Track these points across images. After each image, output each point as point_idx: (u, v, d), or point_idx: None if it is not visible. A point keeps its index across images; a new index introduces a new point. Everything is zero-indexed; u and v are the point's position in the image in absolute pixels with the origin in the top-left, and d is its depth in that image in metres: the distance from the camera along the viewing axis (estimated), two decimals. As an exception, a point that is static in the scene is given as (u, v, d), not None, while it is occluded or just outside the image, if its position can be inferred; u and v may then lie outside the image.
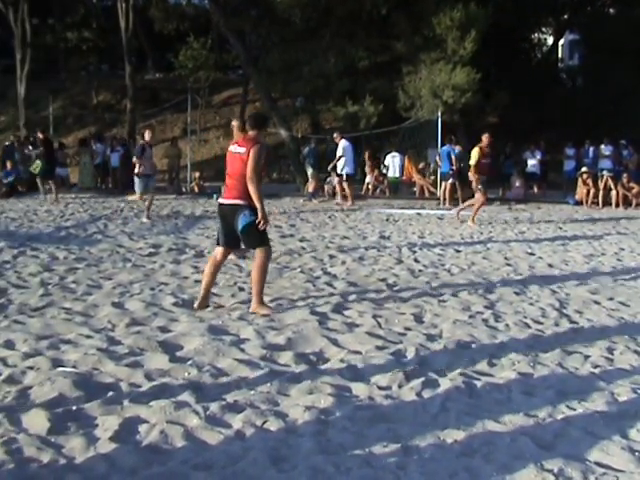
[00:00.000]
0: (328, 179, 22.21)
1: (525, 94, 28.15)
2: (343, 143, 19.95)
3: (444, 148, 21.28)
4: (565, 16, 34.32)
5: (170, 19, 37.11)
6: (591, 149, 25.07)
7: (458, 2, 23.87)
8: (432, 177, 23.79)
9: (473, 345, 6.08)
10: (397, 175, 24.16)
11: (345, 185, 20.05)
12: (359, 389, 4.90)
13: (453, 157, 20.65)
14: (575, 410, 4.65)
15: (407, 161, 24.22)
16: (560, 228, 15.31)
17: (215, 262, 7.36)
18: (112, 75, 41.26)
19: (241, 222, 6.95)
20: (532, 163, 25.38)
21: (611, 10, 33.62)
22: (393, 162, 24.03)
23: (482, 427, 4.30)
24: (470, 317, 7.07)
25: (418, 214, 17.65)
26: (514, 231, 14.38)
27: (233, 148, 7.20)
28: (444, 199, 20.58)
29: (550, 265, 10.39)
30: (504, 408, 4.64)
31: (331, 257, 10.55)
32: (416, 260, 10.49)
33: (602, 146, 24.38)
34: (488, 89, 25.00)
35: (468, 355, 5.76)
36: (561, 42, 38.85)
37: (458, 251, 11.44)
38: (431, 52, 24.40)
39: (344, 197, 20.28)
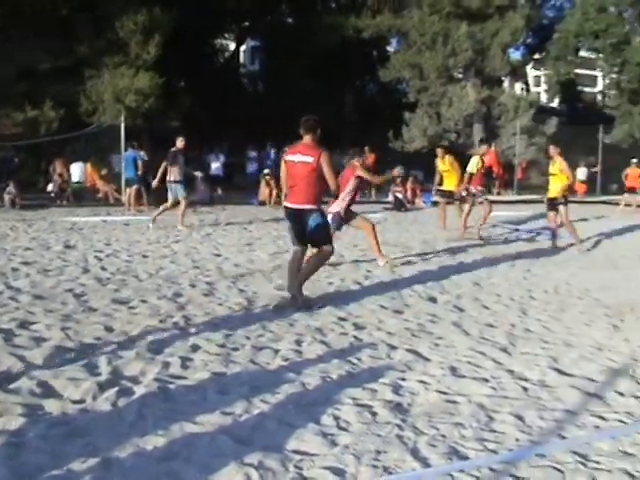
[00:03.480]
0: (7, 189, 21.01)
1: (209, 98, 28.64)
2: None
3: (128, 153, 21.03)
4: (246, 23, 35.41)
5: None
6: (272, 151, 26.20)
7: (142, 6, 23.66)
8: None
9: (165, 349, 6.06)
10: (80, 181, 23.44)
11: None
12: (52, 405, 4.68)
13: (139, 162, 20.47)
14: (269, 403, 4.81)
15: (90, 167, 23.60)
16: (245, 229, 15.76)
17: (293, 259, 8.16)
18: None
19: (311, 223, 7.75)
20: (216, 166, 25.95)
21: (289, 19, 35.24)
22: (76, 168, 23.30)
23: (180, 430, 4.30)
24: (161, 322, 7.03)
25: (104, 221, 17.24)
26: (200, 233, 14.55)
27: (295, 157, 7.78)
28: (129, 205, 20.31)
29: (236, 265, 10.65)
30: (200, 409, 4.67)
31: (14, 270, 9.94)
32: (103, 268, 10.22)
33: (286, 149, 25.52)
34: (172, 93, 25.09)
35: (161, 359, 5.73)
36: (242, 48, 40.09)
37: (145, 256, 11.34)
38: (114, 56, 23.97)
39: None
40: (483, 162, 14.67)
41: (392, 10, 29.78)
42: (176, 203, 15.30)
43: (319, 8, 32.61)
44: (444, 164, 15.63)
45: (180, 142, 15.25)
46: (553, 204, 13.36)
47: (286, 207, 8.05)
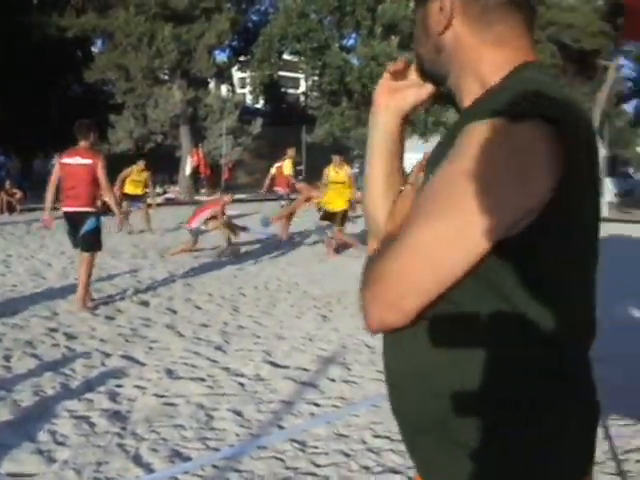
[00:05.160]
0: None
1: None
2: None
3: None
4: None
5: None
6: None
7: None
8: None
9: None
10: None
11: None
12: None
13: None
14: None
15: None
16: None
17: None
18: None
19: (86, 227, 7.92)
20: None
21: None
22: None
23: None
24: None
25: None
26: None
27: (74, 160, 7.88)
28: None
29: None
30: None
31: None
32: None
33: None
34: None
35: None
36: None
37: None
38: None
39: None
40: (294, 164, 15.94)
41: (97, 10, 29.07)
42: None
43: (18, 6, 31.04)
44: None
45: None
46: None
47: (65, 212, 8.11)
